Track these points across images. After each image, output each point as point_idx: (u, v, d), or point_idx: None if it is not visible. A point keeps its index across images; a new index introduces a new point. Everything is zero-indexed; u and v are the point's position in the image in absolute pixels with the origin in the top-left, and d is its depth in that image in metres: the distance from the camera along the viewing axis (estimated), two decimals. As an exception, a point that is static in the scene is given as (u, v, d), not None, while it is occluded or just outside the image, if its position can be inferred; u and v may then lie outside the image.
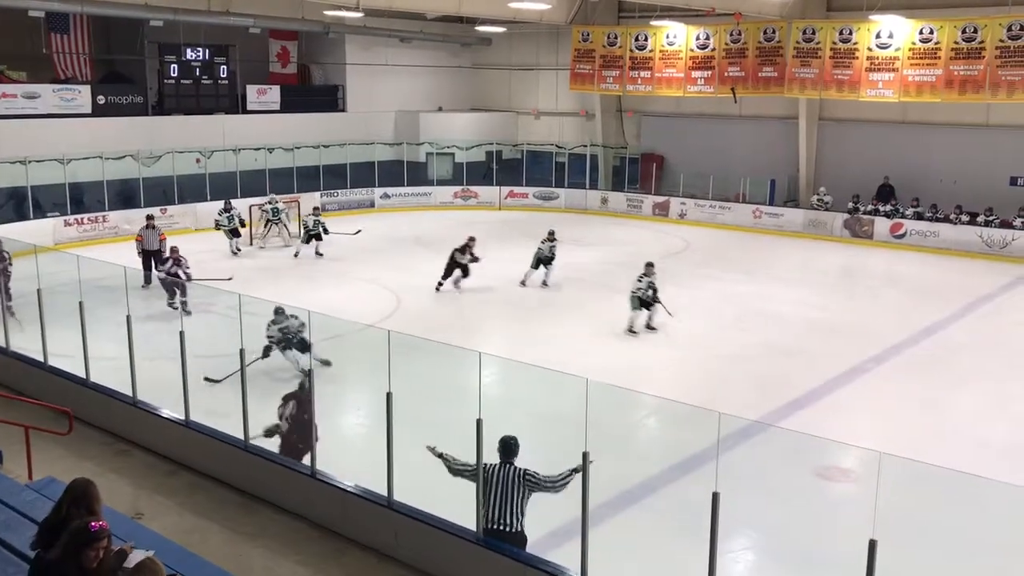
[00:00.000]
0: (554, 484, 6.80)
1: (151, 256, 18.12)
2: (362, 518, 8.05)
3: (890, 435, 11.27)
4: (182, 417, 9.66)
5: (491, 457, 6.99)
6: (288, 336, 12.40)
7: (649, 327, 15.61)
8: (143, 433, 10.11)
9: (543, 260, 18.84)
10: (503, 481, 6.85)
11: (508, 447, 6.98)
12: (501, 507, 6.84)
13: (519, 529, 6.91)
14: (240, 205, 23.76)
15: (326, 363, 12.22)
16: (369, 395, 11.50)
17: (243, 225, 22.65)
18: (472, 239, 18.41)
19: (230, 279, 16.75)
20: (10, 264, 15.17)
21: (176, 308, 14.97)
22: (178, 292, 15.62)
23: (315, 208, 23.57)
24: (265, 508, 8.62)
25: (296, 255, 21.76)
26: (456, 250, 18.28)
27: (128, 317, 10.25)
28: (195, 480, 9.25)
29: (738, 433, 10.04)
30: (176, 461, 9.62)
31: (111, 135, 24.18)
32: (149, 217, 19.17)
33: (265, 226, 23.37)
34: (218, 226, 22.29)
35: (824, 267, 21.93)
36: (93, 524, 4.90)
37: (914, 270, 21.39)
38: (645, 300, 15.58)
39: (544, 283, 18.77)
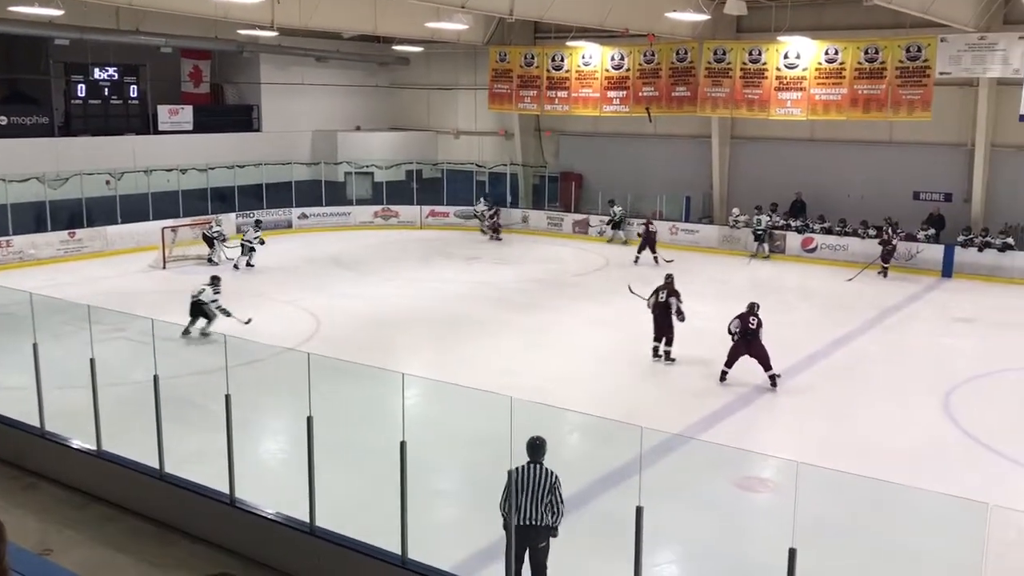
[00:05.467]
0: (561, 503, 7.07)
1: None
2: (284, 546, 7.89)
3: (806, 444, 11.57)
4: (94, 447, 9.35)
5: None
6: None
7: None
8: (52, 465, 9.75)
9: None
10: (532, 480, 6.96)
11: (535, 447, 7.08)
12: (532, 505, 6.95)
13: (549, 523, 7.02)
14: (153, 227, 23.47)
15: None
16: (289, 420, 11.31)
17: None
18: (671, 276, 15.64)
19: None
20: None
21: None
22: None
23: (258, 221, 24.48)
24: (182, 539, 8.37)
25: (236, 267, 22.44)
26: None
27: (35, 345, 9.89)
28: (108, 512, 8.94)
29: (660, 447, 10.17)
30: (88, 493, 9.29)
31: (15, 157, 23.38)
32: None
33: (211, 246, 23.35)
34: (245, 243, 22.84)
35: (739, 282, 22.41)
36: None
37: (825, 283, 22.02)
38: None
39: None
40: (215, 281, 16.43)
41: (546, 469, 7.03)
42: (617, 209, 27.16)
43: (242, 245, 22.89)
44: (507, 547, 6.87)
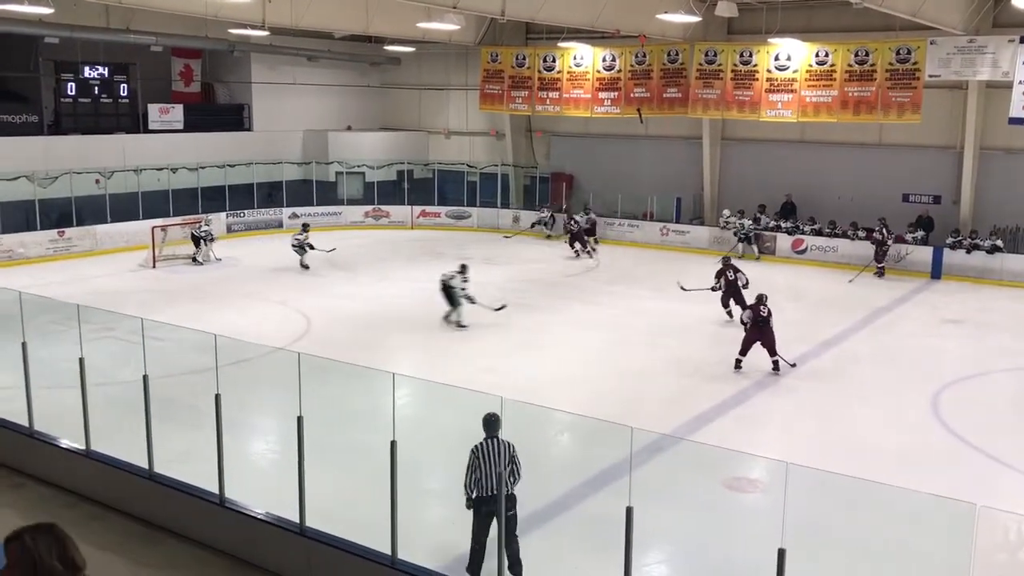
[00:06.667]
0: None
1: None
2: (274, 546, 7.87)
3: (795, 445, 11.60)
4: (82, 447, 9.31)
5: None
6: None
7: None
8: (40, 465, 9.70)
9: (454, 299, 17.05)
10: (495, 453, 7.40)
11: (491, 423, 7.46)
12: (498, 475, 7.35)
13: (509, 492, 7.43)
14: (143, 226, 23.42)
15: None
16: (279, 420, 11.28)
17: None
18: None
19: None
20: None
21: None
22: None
23: (305, 225, 24.02)
24: (170, 539, 8.35)
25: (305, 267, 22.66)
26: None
27: (24, 344, 9.84)
28: (96, 512, 8.90)
29: (650, 447, 10.18)
30: (76, 493, 9.25)
31: (4, 155, 23.23)
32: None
33: (197, 246, 23.22)
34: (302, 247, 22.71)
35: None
36: None
37: (815, 284, 22.08)
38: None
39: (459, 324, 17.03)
40: (464, 269, 16.96)
41: (504, 441, 7.45)
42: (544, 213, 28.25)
43: (294, 247, 22.77)
44: (475, 518, 7.31)
